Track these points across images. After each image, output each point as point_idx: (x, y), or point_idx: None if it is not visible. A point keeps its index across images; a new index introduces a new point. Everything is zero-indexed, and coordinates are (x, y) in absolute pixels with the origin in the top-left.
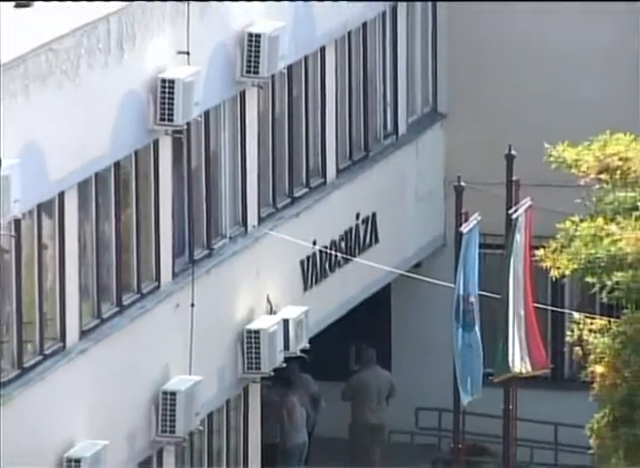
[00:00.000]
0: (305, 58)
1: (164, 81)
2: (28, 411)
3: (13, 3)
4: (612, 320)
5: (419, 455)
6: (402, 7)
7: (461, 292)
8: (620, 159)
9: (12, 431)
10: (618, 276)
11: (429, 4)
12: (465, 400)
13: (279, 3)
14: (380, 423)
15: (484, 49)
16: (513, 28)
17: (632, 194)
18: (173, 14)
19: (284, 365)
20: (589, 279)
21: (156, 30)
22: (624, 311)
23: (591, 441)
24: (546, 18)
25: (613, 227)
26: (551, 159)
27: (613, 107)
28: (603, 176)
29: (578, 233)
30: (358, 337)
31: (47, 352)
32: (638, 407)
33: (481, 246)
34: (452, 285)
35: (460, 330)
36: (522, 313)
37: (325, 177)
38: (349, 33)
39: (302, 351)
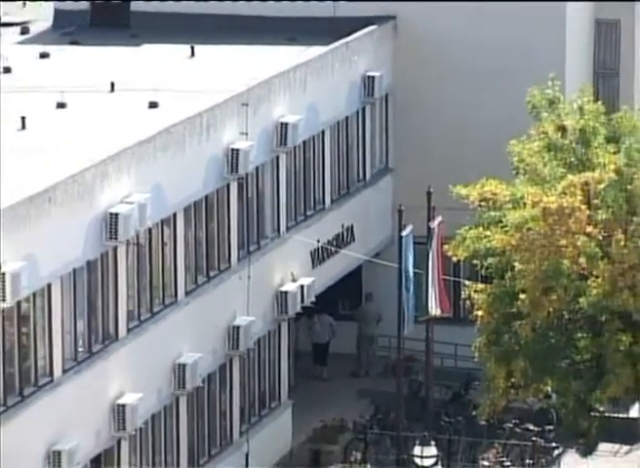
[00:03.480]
0: (313, 137)
1: (233, 150)
2: (155, 338)
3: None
4: (487, 285)
5: (378, 361)
6: (368, 108)
7: (404, 269)
8: (492, 194)
9: (145, 349)
10: (490, 260)
11: (384, 113)
12: (405, 331)
13: (299, 103)
14: (372, 335)
15: (418, 131)
16: (438, 116)
17: (498, 213)
18: (237, 112)
19: (301, 310)
20: (475, 262)
21: (228, 120)
22: (494, 280)
23: (475, 354)
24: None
25: (487, 233)
26: (453, 193)
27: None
28: (482, 204)
29: (468, 236)
30: (343, 296)
31: (166, 303)
32: (502, 335)
33: (413, 243)
34: (396, 265)
35: (404, 291)
36: (436, 281)
37: (324, 204)
38: (338, 122)
39: (311, 303)
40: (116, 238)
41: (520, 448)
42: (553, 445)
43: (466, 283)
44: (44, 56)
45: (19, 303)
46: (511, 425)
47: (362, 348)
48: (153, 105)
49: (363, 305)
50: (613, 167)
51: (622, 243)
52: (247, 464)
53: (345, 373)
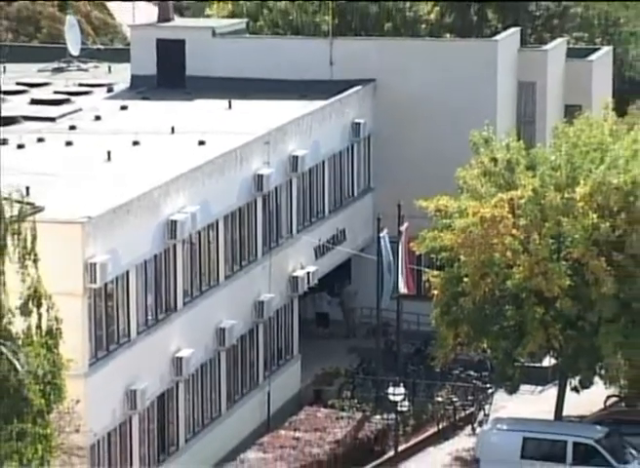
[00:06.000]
0: (316, 165)
1: (258, 175)
2: (203, 309)
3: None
4: (440, 272)
5: (362, 326)
6: (355, 145)
7: (381, 261)
8: (444, 206)
9: (196, 318)
10: (443, 254)
11: (366, 148)
12: (383, 304)
13: (306, 141)
14: (353, 307)
15: (391, 162)
16: (405, 151)
17: (448, 220)
18: (261, 148)
19: (308, 289)
20: (432, 255)
21: (255, 154)
22: (445, 268)
23: (433, 321)
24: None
25: (441, 234)
26: (416, 206)
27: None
28: (437, 213)
29: (427, 236)
30: (337, 280)
31: (210, 285)
32: (451, 307)
33: (389, 241)
34: (375, 257)
35: (382, 276)
36: (404, 268)
37: (324, 213)
38: (334, 155)
39: (314, 285)
40: (175, 238)
41: (464, 388)
42: (488, 386)
43: (426, 270)
44: (124, 107)
45: (105, 285)
46: (458, 372)
47: (347, 317)
48: (202, 143)
49: (346, 287)
50: (531, 187)
51: (537, 241)
52: (268, 400)
53: (339, 335)
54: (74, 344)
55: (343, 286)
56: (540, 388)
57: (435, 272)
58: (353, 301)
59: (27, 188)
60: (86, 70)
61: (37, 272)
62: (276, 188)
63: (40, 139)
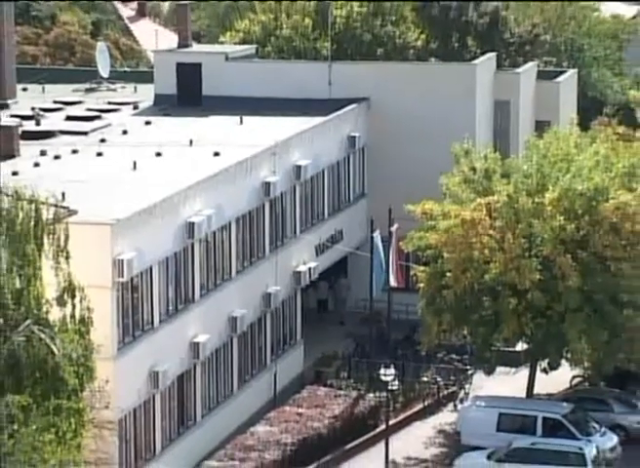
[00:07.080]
0: (317, 174)
1: (266, 182)
2: (218, 300)
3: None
4: (426, 267)
5: (357, 315)
6: (351, 156)
7: (374, 257)
8: (429, 209)
9: (211, 307)
10: (428, 252)
11: (361, 159)
12: (374, 295)
13: (308, 152)
14: (345, 298)
15: (382, 171)
16: (395, 161)
17: (433, 222)
18: (269, 158)
19: (310, 282)
20: (419, 252)
21: (263, 164)
22: (430, 264)
23: (419, 311)
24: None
25: (427, 234)
26: (405, 209)
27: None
28: (423, 216)
29: (414, 236)
30: (335, 275)
31: (224, 279)
32: (435, 298)
33: (380, 241)
34: (369, 254)
35: (374, 270)
36: (394, 264)
37: (324, 215)
38: (332, 165)
39: (315, 279)
40: (193, 237)
41: (447, 369)
42: (468, 368)
43: (413, 266)
44: (148, 123)
45: (132, 279)
46: (441, 355)
47: (339, 305)
48: (216, 154)
49: (339, 280)
50: (505, 193)
51: (511, 241)
52: (275, 380)
53: (336, 322)
54: (104, 331)
55: (339, 279)
56: (513, 370)
57: (421, 267)
58: (345, 292)
59: (63, 194)
60: (114, 90)
61: (68, 268)
62: (281, 194)
63: (74, 151)
